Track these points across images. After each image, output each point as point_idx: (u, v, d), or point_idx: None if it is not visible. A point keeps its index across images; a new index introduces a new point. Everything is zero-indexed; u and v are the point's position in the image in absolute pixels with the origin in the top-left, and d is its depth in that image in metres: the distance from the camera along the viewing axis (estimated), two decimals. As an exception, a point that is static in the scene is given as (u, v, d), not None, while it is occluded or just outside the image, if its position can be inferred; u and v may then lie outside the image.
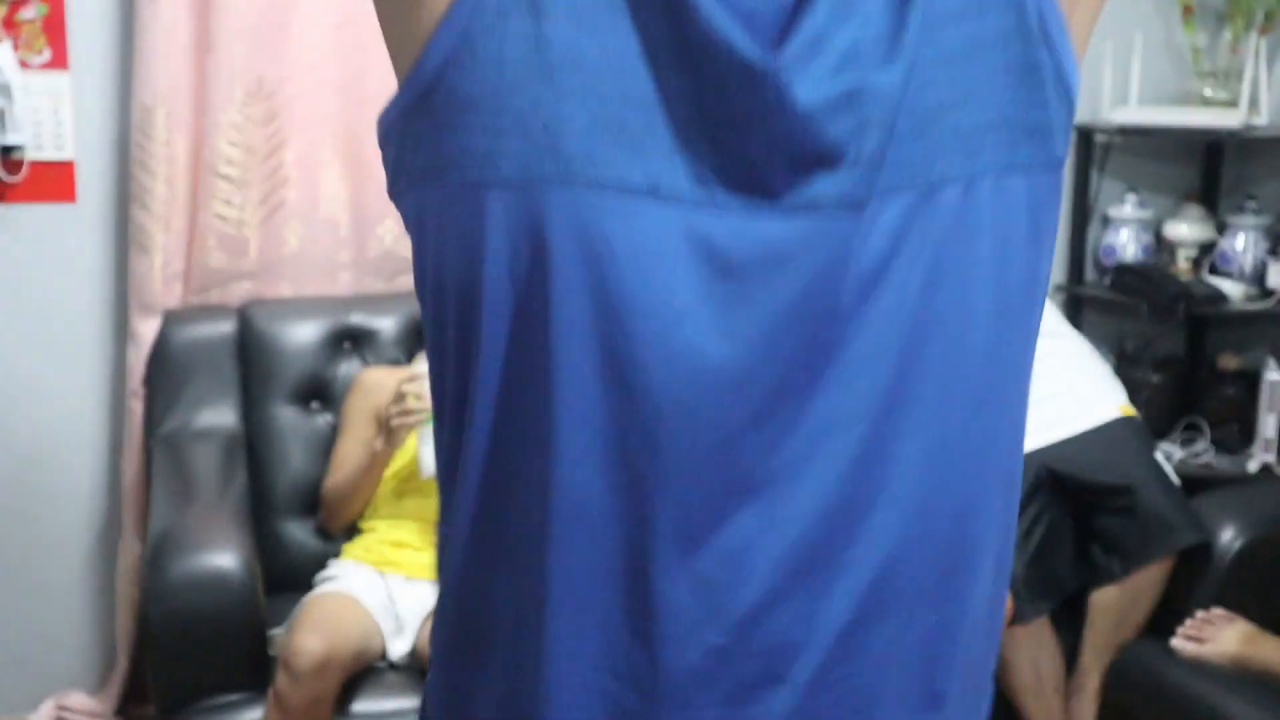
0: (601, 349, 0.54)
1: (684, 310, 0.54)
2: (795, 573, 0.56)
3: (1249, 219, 2.44)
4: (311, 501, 1.97)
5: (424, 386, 1.75)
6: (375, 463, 1.83)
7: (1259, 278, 2.42)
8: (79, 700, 2.12)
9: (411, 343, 2.05)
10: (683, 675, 0.56)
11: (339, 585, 1.76)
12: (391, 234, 2.16)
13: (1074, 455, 1.90)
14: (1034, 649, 1.87)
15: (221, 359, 2.00)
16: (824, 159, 0.53)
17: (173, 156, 1.98)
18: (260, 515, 1.91)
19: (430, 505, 1.85)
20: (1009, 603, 1.78)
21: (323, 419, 1.99)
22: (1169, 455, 2.39)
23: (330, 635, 1.60)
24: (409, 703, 1.66)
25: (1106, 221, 2.53)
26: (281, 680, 1.58)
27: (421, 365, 1.79)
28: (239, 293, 2.08)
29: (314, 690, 1.58)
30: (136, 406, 2.02)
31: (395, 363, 2.02)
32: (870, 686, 0.58)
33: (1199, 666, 1.74)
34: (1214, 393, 2.46)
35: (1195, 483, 2.35)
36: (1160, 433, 2.46)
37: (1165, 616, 1.84)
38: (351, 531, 1.93)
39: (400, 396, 1.74)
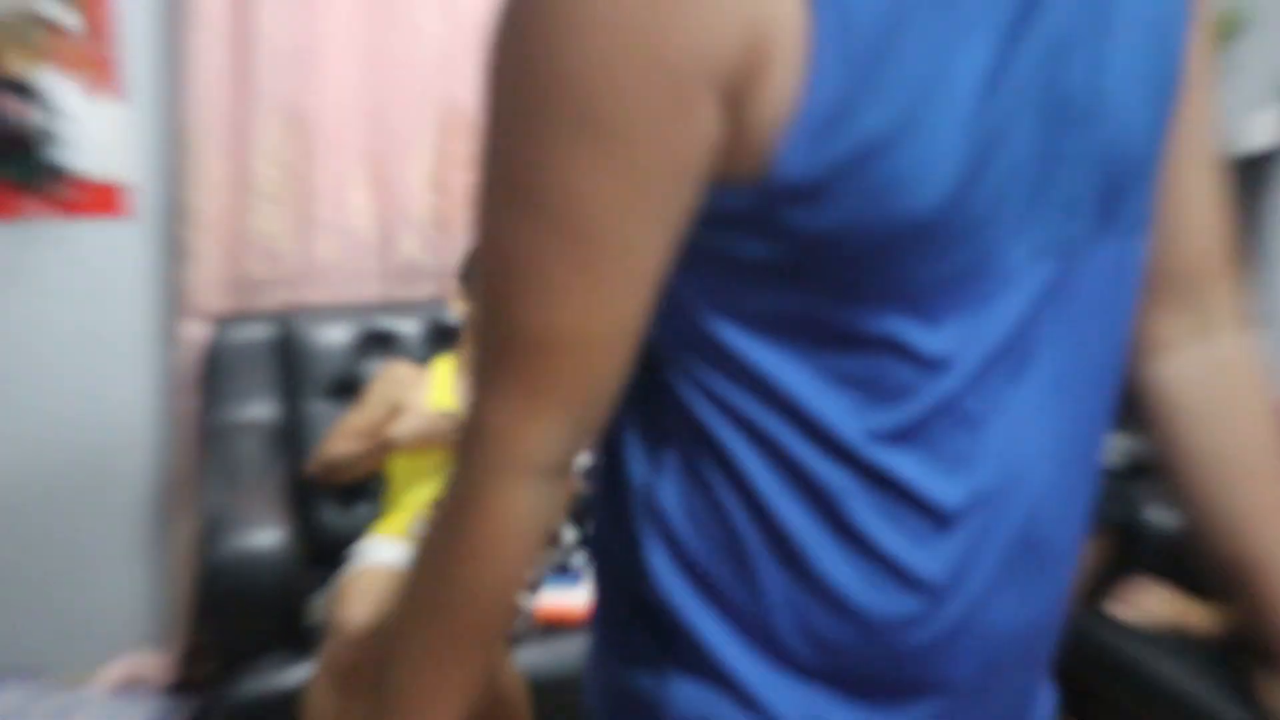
0: None
1: None
2: None
3: (1183, 226, 2.40)
4: (344, 488, 1.95)
5: None
6: (382, 447, 1.82)
7: (1192, 279, 2.37)
8: (144, 659, 2.12)
9: (432, 344, 2.03)
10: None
11: (377, 559, 1.75)
12: (414, 245, 2.13)
13: None
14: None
15: (263, 359, 2.00)
16: None
17: (216, 176, 1.97)
18: (298, 498, 1.92)
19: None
20: None
21: (354, 411, 1.98)
22: (1107, 440, 2.37)
23: (376, 605, 1.60)
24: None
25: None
26: (332, 647, 1.57)
27: None
28: (277, 299, 2.07)
29: (361, 656, 1.57)
30: (188, 401, 2.02)
31: (417, 362, 2.00)
32: None
33: (1133, 630, 1.73)
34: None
35: (1134, 468, 2.33)
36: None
37: (1104, 585, 1.82)
38: (378, 511, 1.91)
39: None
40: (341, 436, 1.86)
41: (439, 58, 2.05)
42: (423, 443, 1.80)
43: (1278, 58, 2.27)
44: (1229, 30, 2.35)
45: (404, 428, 1.81)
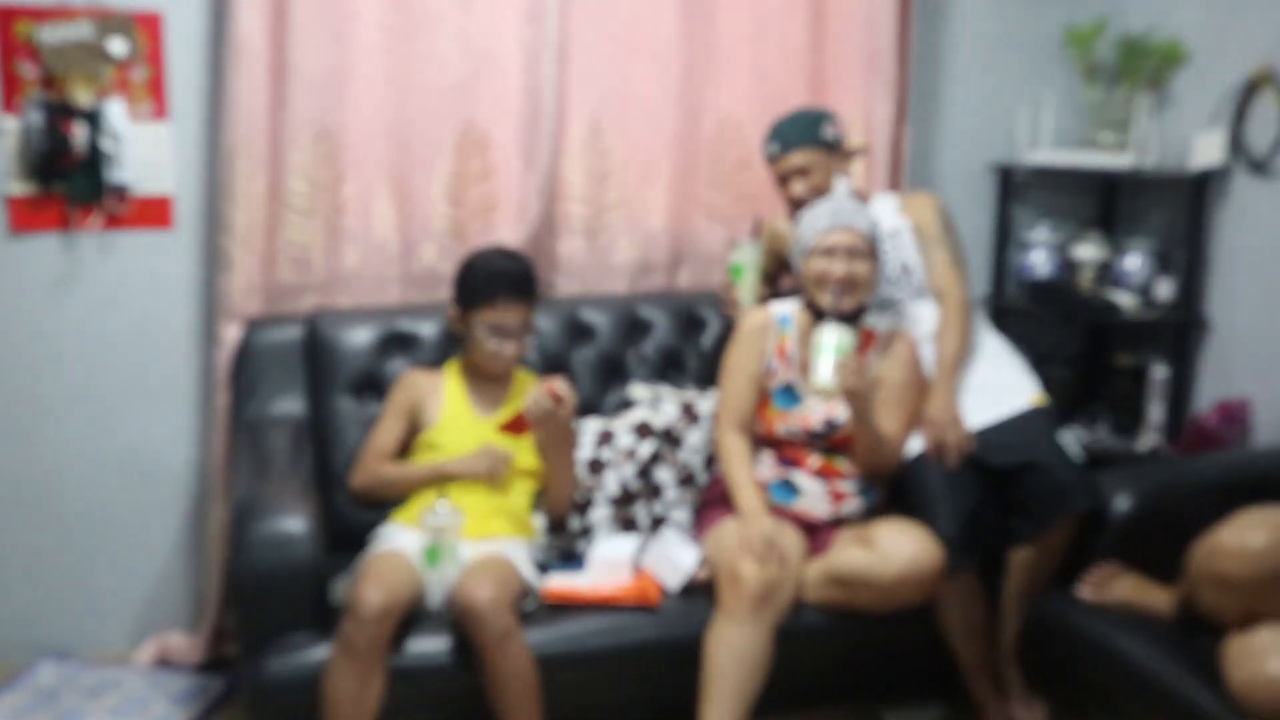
0: None
1: None
2: None
3: (1139, 243, 2.47)
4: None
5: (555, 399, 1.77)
6: (438, 477, 1.82)
7: (1147, 291, 2.44)
8: (176, 639, 2.14)
9: (448, 346, 2.06)
10: None
11: (392, 545, 1.77)
12: (432, 254, 2.17)
13: (996, 440, 1.91)
14: (963, 599, 1.86)
15: (292, 358, 2.02)
16: None
17: (252, 191, 2.00)
18: (323, 487, 1.93)
19: (463, 485, 1.86)
20: (942, 559, 1.80)
21: (375, 408, 1.99)
22: (1073, 437, 2.41)
23: (389, 587, 1.60)
24: (446, 643, 1.67)
25: (1023, 245, 2.55)
26: (348, 626, 1.57)
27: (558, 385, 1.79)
28: (306, 303, 2.10)
29: (375, 634, 1.57)
30: (222, 398, 2.05)
31: (434, 363, 2.04)
32: None
33: (1098, 610, 1.75)
34: (1110, 386, 2.49)
35: (1094, 461, 2.36)
36: (1066, 419, 2.48)
37: (1071, 570, 1.85)
38: (398, 501, 1.91)
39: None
40: (379, 456, 1.85)
41: (457, 83, 2.10)
42: (479, 478, 1.81)
43: (1217, 86, 2.36)
44: (1172, 60, 2.44)
45: (467, 467, 1.81)
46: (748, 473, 1.86)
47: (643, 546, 1.89)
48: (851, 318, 1.87)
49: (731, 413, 1.91)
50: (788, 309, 1.96)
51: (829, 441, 1.89)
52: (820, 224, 1.87)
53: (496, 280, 1.85)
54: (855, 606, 1.79)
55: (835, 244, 1.84)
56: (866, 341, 1.93)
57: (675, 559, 1.83)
